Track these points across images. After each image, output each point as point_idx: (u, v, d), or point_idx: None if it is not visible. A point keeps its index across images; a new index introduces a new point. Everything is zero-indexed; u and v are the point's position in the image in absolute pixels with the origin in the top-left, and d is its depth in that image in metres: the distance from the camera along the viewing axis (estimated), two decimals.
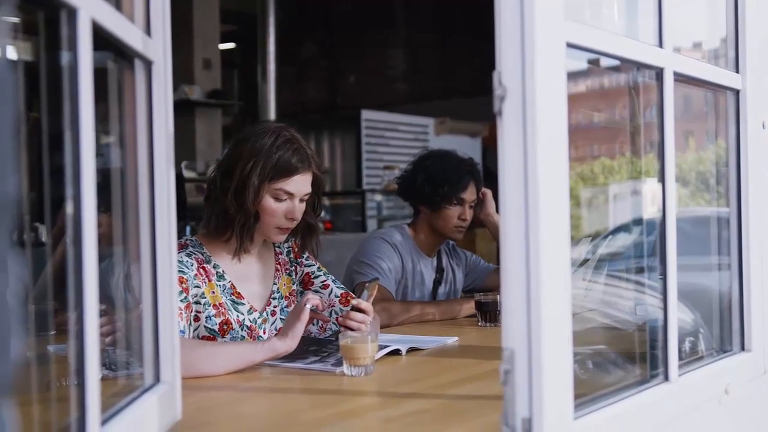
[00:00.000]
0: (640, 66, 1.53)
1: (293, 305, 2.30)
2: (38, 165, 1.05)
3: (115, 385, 1.34)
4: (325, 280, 2.39)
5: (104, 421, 1.07)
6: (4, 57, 0.55)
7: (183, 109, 7.22)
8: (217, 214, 2.18)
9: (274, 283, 2.33)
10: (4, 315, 0.53)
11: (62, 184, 0.99)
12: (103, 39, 1.07)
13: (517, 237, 1.15)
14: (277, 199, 2.17)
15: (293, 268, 2.38)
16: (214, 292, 2.17)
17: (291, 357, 2.00)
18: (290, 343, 1.94)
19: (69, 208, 0.98)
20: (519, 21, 1.14)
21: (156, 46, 1.32)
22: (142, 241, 1.33)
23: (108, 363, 1.39)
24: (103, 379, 1.05)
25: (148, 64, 1.30)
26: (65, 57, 0.97)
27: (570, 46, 1.22)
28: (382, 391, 1.76)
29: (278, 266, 2.36)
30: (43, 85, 1.03)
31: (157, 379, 1.34)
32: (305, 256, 2.41)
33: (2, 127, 0.54)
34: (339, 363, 1.89)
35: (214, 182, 2.20)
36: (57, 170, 1.00)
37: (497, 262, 3.70)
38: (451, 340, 2.32)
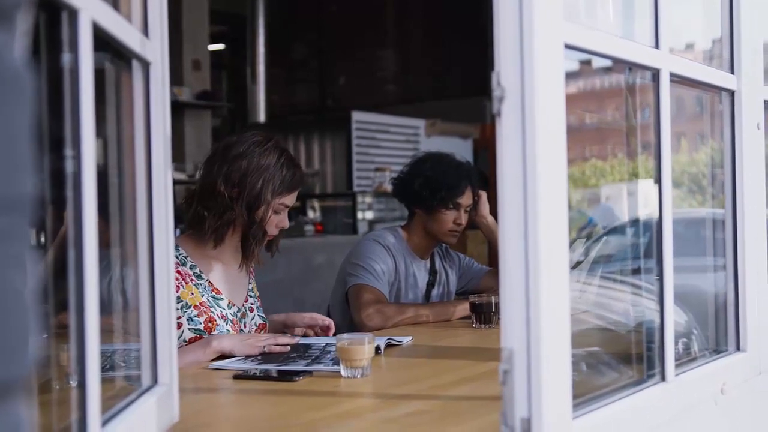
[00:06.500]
0: (636, 67, 1.54)
1: (261, 306, 2.43)
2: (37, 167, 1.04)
3: (112, 387, 1.33)
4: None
5: (104, 423, 1.06)
6: (23, 59, 0.54)
7: (172, 111, 7.15)
8: (227, 224, 2.22)
9: (249, 282, 2.41)
10: (23, 313, 0.52)
11: (57, 185, 0.98)
12: (100, 40, 1.06)
13: (516, 237, 1.15)
14: (277, 212, 2.25)
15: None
16: (192, 294, 2.20)
17: (285, 361, 2.00)
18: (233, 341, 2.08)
19: (68, 210, 0.97)
20: (518, 21, 1.14)
21: (154, 48, 1.32)
22: (139, 243, 1.32)
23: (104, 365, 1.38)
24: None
25: (146, 66, 1.30)
26: (65, 58, 0.96)
27: (568, 47, 1.23)
28: (379, 393, 1.76)
29: (251, 268, 2.43)
30: (43, 85, 1.03)
31: (154, 380, 1.34)
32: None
33: (22, 128, 0.53)
34: (336, 363, 1.89)
35: (215, 190, 2.20)
36: (53, 172, 0.99)
37: (489, 263, 3.70)
38: (406, 340, 2.32)
